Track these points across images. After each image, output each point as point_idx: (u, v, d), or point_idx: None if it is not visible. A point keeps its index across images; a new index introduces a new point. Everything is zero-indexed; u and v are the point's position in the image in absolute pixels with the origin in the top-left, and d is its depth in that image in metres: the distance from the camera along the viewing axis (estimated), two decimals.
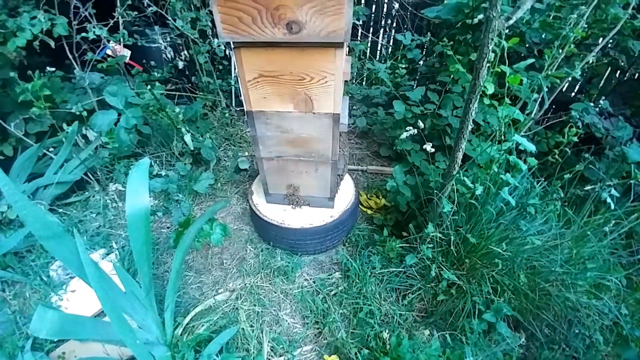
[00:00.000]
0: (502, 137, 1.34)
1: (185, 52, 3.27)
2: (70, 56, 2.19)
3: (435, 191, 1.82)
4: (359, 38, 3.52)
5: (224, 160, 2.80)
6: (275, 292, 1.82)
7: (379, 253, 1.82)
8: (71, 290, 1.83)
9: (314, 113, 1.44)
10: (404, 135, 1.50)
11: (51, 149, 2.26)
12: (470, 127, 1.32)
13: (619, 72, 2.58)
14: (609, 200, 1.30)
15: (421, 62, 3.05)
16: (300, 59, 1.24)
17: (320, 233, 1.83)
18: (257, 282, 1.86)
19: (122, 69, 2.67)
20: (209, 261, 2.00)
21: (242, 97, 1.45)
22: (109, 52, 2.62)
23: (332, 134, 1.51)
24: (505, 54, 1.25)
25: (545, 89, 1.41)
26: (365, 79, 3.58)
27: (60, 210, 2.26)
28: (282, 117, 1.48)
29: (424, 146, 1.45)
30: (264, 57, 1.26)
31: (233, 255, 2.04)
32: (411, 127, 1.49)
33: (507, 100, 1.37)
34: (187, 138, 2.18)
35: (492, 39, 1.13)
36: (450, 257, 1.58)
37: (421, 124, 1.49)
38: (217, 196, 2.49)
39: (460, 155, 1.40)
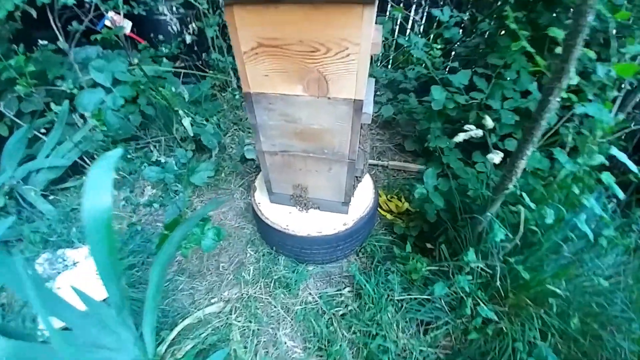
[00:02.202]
0: (589, 146, 0.93)
1: (194, 24, 2.92)
2: (54, 26, 1.90)
3: (474, 202, 1.44)
4: (387, 13, 3.02)
5: (230, 147, 2.50)
6: (275, 307, 1.54)
7: (399, 272, 1.48)
8: (57, 287, 1.63)
9: (329, 98, 1.08)
10: (461, 137, 1.08)
11: (44, 130, 2.03)
12: (543, 129, 0.92)
13: None
14: None
15: (457, 44, 2.55)
16: (314, 21, 0.87)
17: (330, 243, 1.51)
18: (255, 293, 1.58)
19: (123, 42, 2.37)
20: (204, 264, 1.74)
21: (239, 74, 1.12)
22: (107, 23, 2.32)
23: (352, 126, 1.15)
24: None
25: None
26: (391, 61, 3.10)
27: (52, 196, 2.05)
28: (288, 102, 1.13)
29: (490, 155, 1.04)
30: (266, 19, 0.90)
31: (232, 258, 1.77)
32: (473, 127, 1.07)
33: (592, 97, 0.96)
34: (186, 122, 1.88)
35: (593, 7, 0.73)
36: (490, 289, 1.23)
37: (489, 122, 1.05)
38: (220, 188, 2.21)
39: (522, 165, 1.01)
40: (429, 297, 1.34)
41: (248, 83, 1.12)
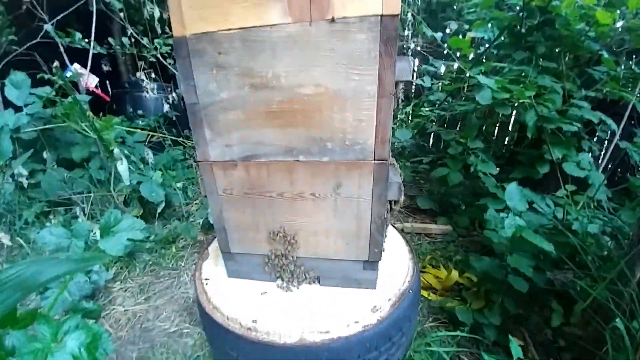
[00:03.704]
0: None
1: (174, 94, 2.68)
2: None
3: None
4: None
5: (193, 216, 1.82)
6: None
7: None
8: None
9: (331, 21, 0.54)
10: None
11: None
12: None
13: None
14: None
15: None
16: None
17: (346, 355, 0.69)
18: None
19: (75, 90, 1.98)
20: None
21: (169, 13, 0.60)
22: (68, 75, 1.98)
23: (380, 78, 0.57)
24: None
25: None
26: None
27: None
28: (253, 46, 0.58)
29: None
30: None
31: None
32: None
33: None
34: (122, 167, 1.27)
35: None
36: None
37: None
38: (163, 266, 1.41)
39: None
40: None
41: (182, 17, 0.58)
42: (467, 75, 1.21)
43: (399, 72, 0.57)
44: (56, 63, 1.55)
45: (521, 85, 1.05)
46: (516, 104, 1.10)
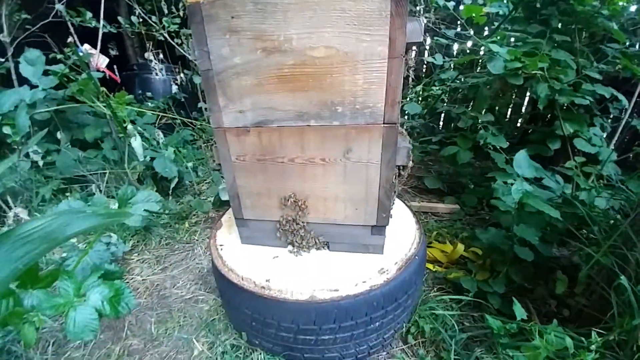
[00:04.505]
0: None
1: (182, 75, 2.69)
2: None
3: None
4: None
5: (205, 195, 1.86)
6: None
7: None
8: None
9: None
10: None
11: None
12: None
13: None
14: None
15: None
16: None
17: (355, 312, 0.73)
18: None
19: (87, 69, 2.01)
20: None
21: None
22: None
23: (390, 38, 0.57)
24: None
25: None
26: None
27: None
28: (266, 6, 0.58)
29: None
30: None
31: (162, 359, 0.91)
32: None
33: None
34: (135, 143, 1.31)
35: None
36: None
37: None
38: (177, 240, 1.47)
39: None
40: None
41: None
42: (480, 47, 1.18)
43: (409, 34, 0.58)
44: (70, 39, 1.57)
45: (535, 57, 1.03)
46: (529, 76, 1.08)
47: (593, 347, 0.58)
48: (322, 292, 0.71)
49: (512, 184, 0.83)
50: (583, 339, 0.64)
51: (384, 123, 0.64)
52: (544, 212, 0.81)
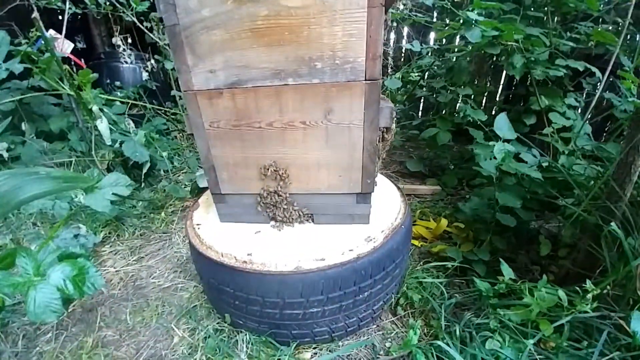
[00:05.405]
0: None
1: (152, 61, 2.55)
2: None
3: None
4: None
5: (182, 184, 1.77)
6: None
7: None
8: None
9: None
10: None
11: None
12: None
13: None
14: None
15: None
16: None
17: (343, 282, 0.70)
18: None
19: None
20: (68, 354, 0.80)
21: None
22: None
23: None
24: None
25: None
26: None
27: None
28: None
29: None
30: None
31: (140, 349, 0.85)
32: None
33: None
34: (102, 125, 1.21)
35: None
36: None
37: None
38: (153, 230, 1.39)
39: None
40: None
41: None
42: (458, 21, 1.18)
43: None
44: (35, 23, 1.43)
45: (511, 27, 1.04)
46: (505, 47, 1.08)
47: (589, 295, 0.59)
48: (308, 262, 0.68)
49: (493, 144, 0.83)
50: (577, 290, 0.64)
51: (365, 79, 0.61)
52: (525, 179, 0.81)
